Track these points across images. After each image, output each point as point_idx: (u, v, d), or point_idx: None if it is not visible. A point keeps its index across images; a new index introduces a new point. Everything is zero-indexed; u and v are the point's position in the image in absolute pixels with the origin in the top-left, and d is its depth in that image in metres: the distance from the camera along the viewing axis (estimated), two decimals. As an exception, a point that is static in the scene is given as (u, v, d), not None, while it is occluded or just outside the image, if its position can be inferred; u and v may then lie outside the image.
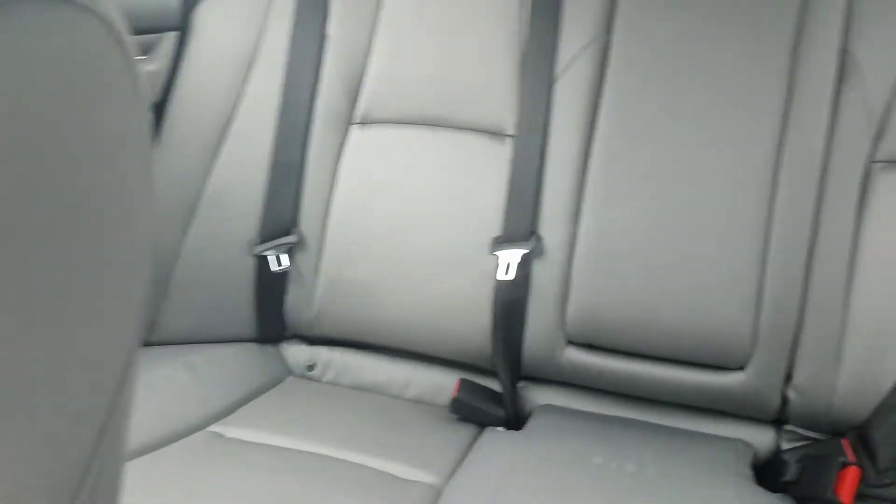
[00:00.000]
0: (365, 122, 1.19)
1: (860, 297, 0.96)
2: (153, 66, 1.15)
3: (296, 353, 1.23)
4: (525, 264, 1.08)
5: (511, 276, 1.07)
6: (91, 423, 0.33)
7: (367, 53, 1.19)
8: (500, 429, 1.06)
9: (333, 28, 1.20)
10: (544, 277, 1.08)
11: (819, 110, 0.99)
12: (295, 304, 1.20)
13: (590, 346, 1.07)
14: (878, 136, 0.97)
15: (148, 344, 1.14)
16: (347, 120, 1.20)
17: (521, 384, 1.11)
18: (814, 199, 0.98)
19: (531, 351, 1.09)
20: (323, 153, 1.19)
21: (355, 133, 1.19)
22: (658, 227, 1.03)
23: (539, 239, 1.08)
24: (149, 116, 0.34)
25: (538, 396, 1.11)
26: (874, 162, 0.98)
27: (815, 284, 0.97)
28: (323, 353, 1.21)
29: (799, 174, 0.98)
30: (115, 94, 0.32)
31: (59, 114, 0.30)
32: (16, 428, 0.30)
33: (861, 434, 0.93)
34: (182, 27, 1.19)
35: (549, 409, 1.08)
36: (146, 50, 1.16)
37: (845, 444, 0.93)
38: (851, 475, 0.89)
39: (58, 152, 0.30)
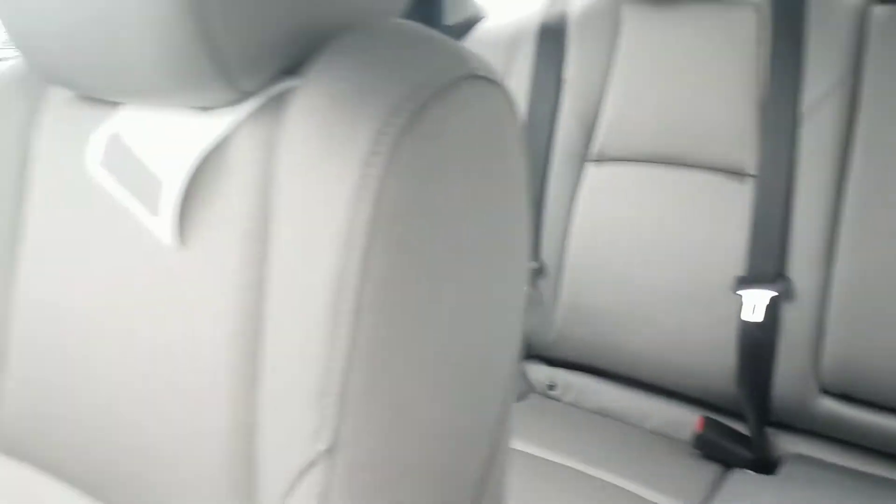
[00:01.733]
0: (600, 160, 1.20)
1: None
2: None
3: (537, 372, 1.31)
4: (773, 307, 1.04)
5: (759, 317, 1.05)
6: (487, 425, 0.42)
7: (601, 94, 1.19)
8: (748, 471, 1.06)
9: (570, 73, 1.22)
10: (794, 322, 1.04)
11: None
12: (536, 326, 1.27)
13: (847, 398, 1.02)
14: None
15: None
16: (583, 157, 1.21)
17: (768, 429, 1.09)
18: None
19: (780, 397, 1.06)
20: (561, 188, 1.23)
21: (591, 170, 1.21)
22: None
23: (788, 281, 1.03)
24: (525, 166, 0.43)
25: (787, 444, 1.09)
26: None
27: None
28: (562, 375, 1.28)
29: None
30: (513, 149, 0.42)
31: (492, 166, 0.40)
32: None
33: None
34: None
35: (801, 458, 1.06)
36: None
37: None
38: None
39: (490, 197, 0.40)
